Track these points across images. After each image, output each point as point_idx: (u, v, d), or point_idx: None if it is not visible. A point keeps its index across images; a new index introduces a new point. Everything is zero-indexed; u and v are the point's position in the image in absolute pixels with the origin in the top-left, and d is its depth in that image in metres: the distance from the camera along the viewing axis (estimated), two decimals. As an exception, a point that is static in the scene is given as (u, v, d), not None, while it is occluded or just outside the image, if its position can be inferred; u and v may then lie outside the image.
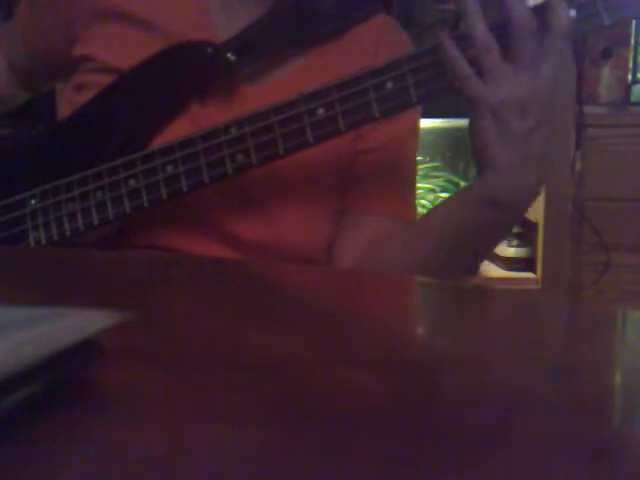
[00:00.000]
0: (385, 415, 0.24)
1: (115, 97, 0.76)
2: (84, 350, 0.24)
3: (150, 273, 0.55)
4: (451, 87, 0.64)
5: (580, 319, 0.45)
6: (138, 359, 0.30)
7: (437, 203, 0.77)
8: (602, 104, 1.68)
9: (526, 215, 1.78)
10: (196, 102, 0.75)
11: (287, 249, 0.76)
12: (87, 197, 0.73)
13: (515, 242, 1.78)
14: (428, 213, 0.76)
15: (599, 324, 0.41)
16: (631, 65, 1.66)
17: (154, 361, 0.29)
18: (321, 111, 0.67)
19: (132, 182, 0.71)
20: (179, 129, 0.72)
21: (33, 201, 0.75)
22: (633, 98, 1.67)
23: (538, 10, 0.62)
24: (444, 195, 1.83)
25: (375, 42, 0.79)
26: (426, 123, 1.81)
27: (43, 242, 0.75)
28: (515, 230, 1.79)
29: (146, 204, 0.71)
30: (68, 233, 0.74)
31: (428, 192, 1.86)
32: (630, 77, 1.67)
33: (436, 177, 1.85)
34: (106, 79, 0.76)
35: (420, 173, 1.86)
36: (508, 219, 0.70)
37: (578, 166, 1.65)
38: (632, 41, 1.65)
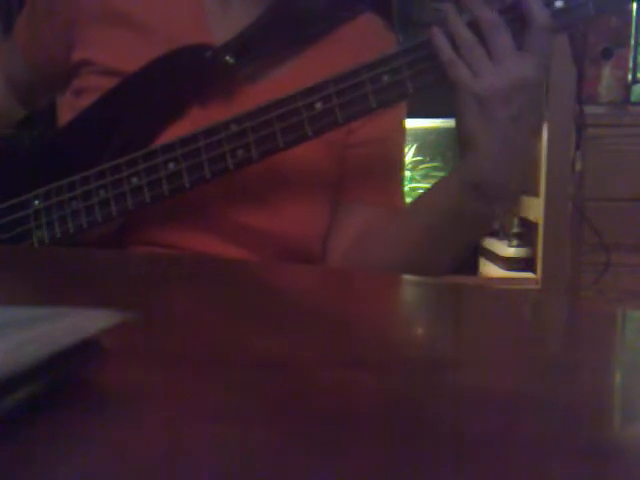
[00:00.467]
0: (385, 415, 0.24)
1: (117, 101, 0.77)
2: (84, 350, 0.24)
3: (150, 273, 0.55)
4: (445, 78, 0.67)
5: (580, 319, 0.45)
6: (138, 359, 0.30)
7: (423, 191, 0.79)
8: (602, 104, 1.68)
9: (526, 215, 1.79)
10: (196, 105, 0.76)
11: (286, 239, 0.78)
12: (90, 195, 0.74)
13: (515, 242, 1.78)
14: (415, 200, 0.78)
15: (599, 324, 0.41)
16: (631, 65, 1.66)
17: (154, 361, 0.29)
18: (319, 105, 0.69)
19: (134, 180, 0.72)
20: (180, 132, 0.73)
21: (37, 201, 0.76)
22: (633, 98, 1.67)
23: (513, 10, 0.66)
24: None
25: (360, 41, 0.82)
26: (426, 123, 1.82)
27: (46, 241, 0.75)
28: (515, 230, 1.79)
29: (148, 200, 0.72)
30: (72, 231, 0.74)
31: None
32: (630, 77, 1.67)
33: (436, 177, 1.85)
34: (106, 82, 0.77)
35: (420, 173, 1.86)
36: (491, 205, 0.72)
37: (578, 166, 1.65)
38: (632, 41, 1.65)
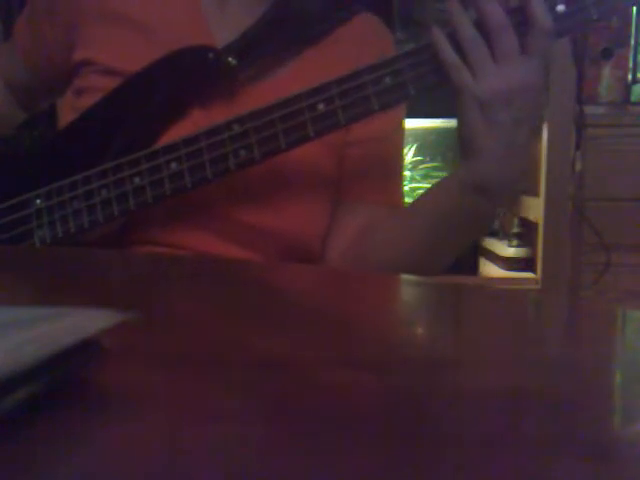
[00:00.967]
0: (385, 415, 0.24)
1: (119, 101, 0.77)
2: (84, 350, 0.24)
3: (151, 273, 0.55)
4: (447, 80, 0.67)
5: (580, 319, 0.45)
6: (138, 359, 0.30)
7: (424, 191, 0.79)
8: (602, 104, 1.68)
9: (526, 215, 1.79)
10: (198, 106, 0.76)
11: (287, 238, 0.78)
12: (92, 195, 0.74)
13: (515, 242, 1.78)
14: (415, 201, 0.78)
15: (599, 324, 0.41)
16: (631, 65, 1.66)
17: (154, 361, 0.29)
18: (322, 106, 0.69)
19: (137, 180, 0.72)
20: (182, 132, 0.73)
21: (38, 201, 0.76)
22: (633, 98, 1.67)
23: (518, 12, 0.66)
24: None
25: (358, 41, 0.82)
26: (426, 123, 1.82)
27: (48, 241, 0.75)
28: (515, 230, 1.79)
29: (150, 200, 0.72)
30: (73, 230, 0.74)
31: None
32: (630, 77, 1.67)
33: (436, 177, 1.85)
34: (107, 82, 0.77)
35: (420, 173, 1.86)
36: (491, 206, 0.72)
37: (578, 166, 1.65)
38: (632, 41, 1.65)
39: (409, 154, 1.84)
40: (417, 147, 1.85)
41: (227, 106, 0.76)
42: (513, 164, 0.68)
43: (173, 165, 0.71)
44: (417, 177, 1.86)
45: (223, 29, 0.79)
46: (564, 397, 0.27)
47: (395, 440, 0.22)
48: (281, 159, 0.72)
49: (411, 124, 1.77)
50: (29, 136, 0.88)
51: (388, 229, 0.78)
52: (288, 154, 0.71)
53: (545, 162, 1.64)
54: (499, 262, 1.80)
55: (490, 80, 0.65)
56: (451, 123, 1.76)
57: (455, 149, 1.86)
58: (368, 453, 0.21)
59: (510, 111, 0.65)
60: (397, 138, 0.87)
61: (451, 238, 0.75)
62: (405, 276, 0.58)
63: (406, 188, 1.81)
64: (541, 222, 1.67)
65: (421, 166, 1.86)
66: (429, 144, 1.86)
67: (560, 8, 0.65)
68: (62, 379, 0.24)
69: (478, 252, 1.81)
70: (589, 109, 1.64)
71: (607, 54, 1.66)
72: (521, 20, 0.65)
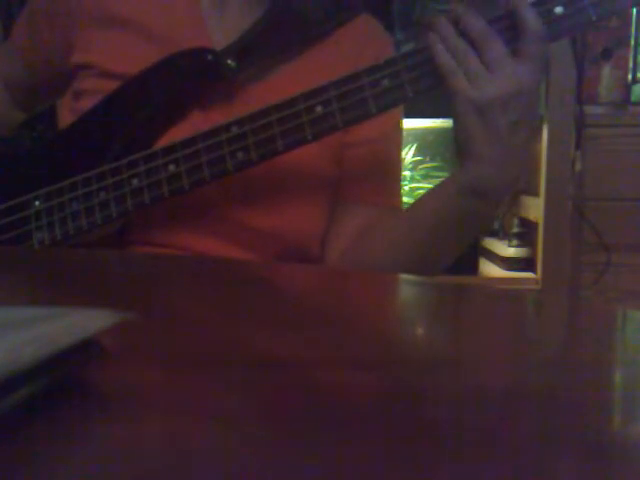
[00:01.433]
0: (385, 415, 0.24)
1: (118, 104, 0.77)
2: (84, 350, 0.24)
3: (150, 273, 0.55)
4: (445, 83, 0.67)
5: (580, 319, 0.45)
6: (138, 359, 0.30)
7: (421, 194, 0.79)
8: (602, 104, 1.68)
9: (526, 215, 1.79)
10: (197, 108, 0.76)
11: (286, 239, 0.78)
12: (90, 197, 0.74)
13: (515, 242, 1.78)
14: (413, 205, 0.78)
15: (599, 324, 0.41)
16: (631, 65, 1.66)
17: (154, 361, 0.29)
18: (319, 108, 0.69)
19: (135, 181, 0.72)
20: (181, 135, 0.73)
21: (37, 202, 0.76)
22: (633, 98, 1.67)
23: (507, 18, 0.66)
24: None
25: (359, 42, 0.82)
26: (426, 123, 1.82)
27: (47, 242, 0.75)
28: (515, 230, 1.79)
29: (148, 202, 0.72)
30: (72, 232, 0.74)
31: (428, 192, 1.86)
32: (630, 77, 1.67)
33: (436, 177, 1.85)
34: (105, 84, 0.77)
35: (420, 173, 1.86)
36: (489, 208, 0.72)
37: (578, 166, 1.65)
38: (632, 41, 1.65)
39: (409, 154, 1.84)
40: (417, 147, 1.85)
41: (226, 108, 0.76)
42: (511, 166, 0.68)
43: (171, 167, 0.71)
44: (417, 177, 1.86)
45: (222, 31, 0.79)
46: (564, 397, 0.27)
47: (395, 440, 0.22)
48: (280, 160, 0.72)
49: (411, 124, 1.77)
50: (29, 137, 0.88)
51: (387, 230, 0.78)
52: (287, 155, 0.71)
53: (545, 162, 1.64)
54: (499, 262, 1.80)
55: (485, 86, 0.65)
56: (451, 123, 1.76)
57: (455, 149, 1.87)
58: (368, 453, 0.21)
59: (506, 115, 0.65)
60: (396, 138, 0.87)
61: (450, 239, 0.75)
62: (405, 276, 0.58)
63: (406, 188, 1.81)
64: (541, 222, 1.67)
65: (421, 166, 1.86)
66: (429, 144, 1.86)
67: (559, 10, 0.65)
68: (62, 379, 0.24)
69: (478, 252, 1.81)
70: (589, 109, 1.64)
71: (607, 54, 1.66)
72: (510, 25, 0.65)
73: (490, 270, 1.81)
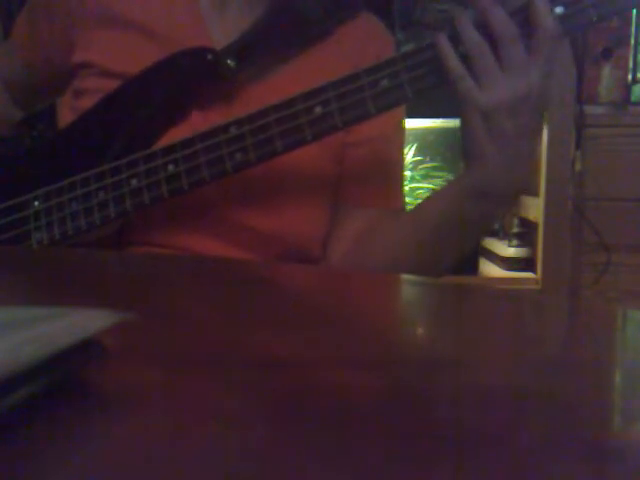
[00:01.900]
0: (385, 415, 0.24)
1: (118, 103, 0.77)
2: (84, 350, 0.24)
3: (150, 273, 0.55)
4: (445, 82, 0.66)
5: (580, 319, 0.45)
6: (138, 359, 0.30)
7: (426, 196, 0.78)
8: (602, 104, 1.68)
9: (526, 215, 1.79)
10: (197, 108, 0.76)
11: (286, 240, 0.78)
12: (89, 197, 0.74)
13: (515, 242, 1.78)
14: (417, 207, 0.78)
15: (599, 324, 0.41)
16: (631, 65, 1.66)
17: (154, 361, 0.29)
18: (318, 109, 0.69)
19: (134, 181, 0.72)
20: (181, 135, 0.73)
21: (36, 202, 0.76)
22: (633, 98, 1.67)
23: (521, 13, 0.64)
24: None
25: (360, 41, 0.82)
26: (426, 123, 1.82)
27: (45, 242, 0.75)
28: (515, 230, 1.79)
29: (147, 202, 0.72)
30: (70, 232, 0.74)
31: (428, 192, 1.86)
32: (630, 77, 1.67)
33: (436, 177, 1.85)
34: (106, 84, 0.77)
35: (420, 173, 1.86)
36: (495, 211, 0.73)
37: (578, 166, 1.65)
38: (632, 41, 1.65)
39: (409, 154, 1.84)
40: (417, 147, 1.85)
41: (226, 108, 0.76)
42: (517, 169, 0.68)
43: (170, 167, 0.71)
44: (417, 177, 1.86)
45: (222, 31, 0.79)
46: (564, 397, 0.27)
47: (395, 440, 0.22)
48: (280, 161, 0.72)
49: (411, 124, 1.76)
50: (28, 136, 0.88)
51: (389, 233, 0.78)
52: (287, 156, 0.71)
53: (545, 162, 1.64)
54: (499, 262, 1.80)
55: (496, 90, 0.64)
56: (451, 123, 1.77)
57: (455, 149, 1.87)
58: (368, 453, 0.21)
59: (514, 120, 0.64)
60: (397, 139, 0.87)
61: (453, 242, 0.75)
62: (405, 276, 0.58)
63: (406, 188, 1.81)
64: (541, 222, 1.67)
65: (421, 166, 1.86)
66: (429, 144, 1.86)
67: (559, 10, 0.65)
68: (61, 379, 0.24)
69: (478, 252, 1.81)
70: (589, 109, 1.64)
71: (607, 54, 1.66)
72: (522, 21, 0.64)
73: (490, 270, 1.81)
